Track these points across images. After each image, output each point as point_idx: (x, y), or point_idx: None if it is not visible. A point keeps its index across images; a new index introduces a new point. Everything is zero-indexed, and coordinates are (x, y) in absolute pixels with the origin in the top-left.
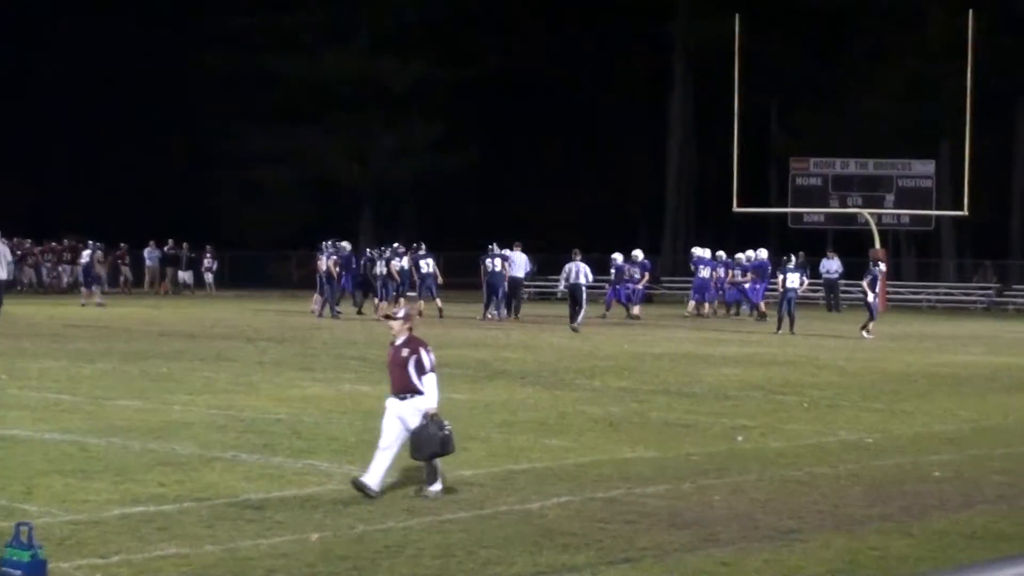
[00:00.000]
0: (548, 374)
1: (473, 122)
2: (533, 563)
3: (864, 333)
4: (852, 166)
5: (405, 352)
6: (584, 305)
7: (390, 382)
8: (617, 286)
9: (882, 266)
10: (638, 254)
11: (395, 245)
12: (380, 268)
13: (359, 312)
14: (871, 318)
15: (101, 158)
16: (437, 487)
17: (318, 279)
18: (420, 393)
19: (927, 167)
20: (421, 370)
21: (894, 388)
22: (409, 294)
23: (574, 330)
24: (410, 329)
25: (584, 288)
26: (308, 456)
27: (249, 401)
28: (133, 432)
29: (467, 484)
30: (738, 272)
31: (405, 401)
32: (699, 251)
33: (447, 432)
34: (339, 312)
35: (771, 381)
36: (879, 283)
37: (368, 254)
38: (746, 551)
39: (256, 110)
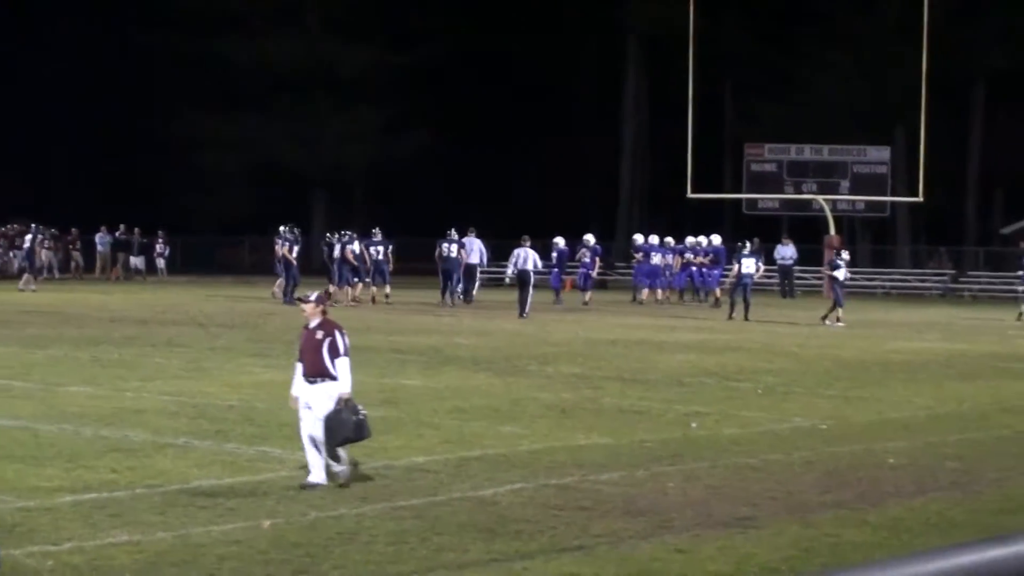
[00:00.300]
0: (501, 360)
1: (424, 107)
2: (487, 550)
3: (827, 322)
4: (807, 152)
5: (319, 335)
6: (532, 292)
7: (303, 365)
8: (558, 270)
9: (846, 255)
10: (589, 238)
11: (350, 232)
12: (336, 253)
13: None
14: (837, 306)
15: (50, 144)
16: (343, 469)
17: (277, 265)
18: (333, 377)
19: (882, 153)
20: (335, 353)
21: (849, 375)
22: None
23: (523, 317)
24: (324, 312)
25: (532, 274)
26: (260, 443)
27: (201, 387)
28: (85, 418)
29: (420, 471)
30: (689, 255)
31: (315, 385)
32: (641, 239)
33: (361, 417)
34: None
35: (725, 368)
36: (841, 271)
37: (327, 239)
38: (700, 538)
39: (205, 95)
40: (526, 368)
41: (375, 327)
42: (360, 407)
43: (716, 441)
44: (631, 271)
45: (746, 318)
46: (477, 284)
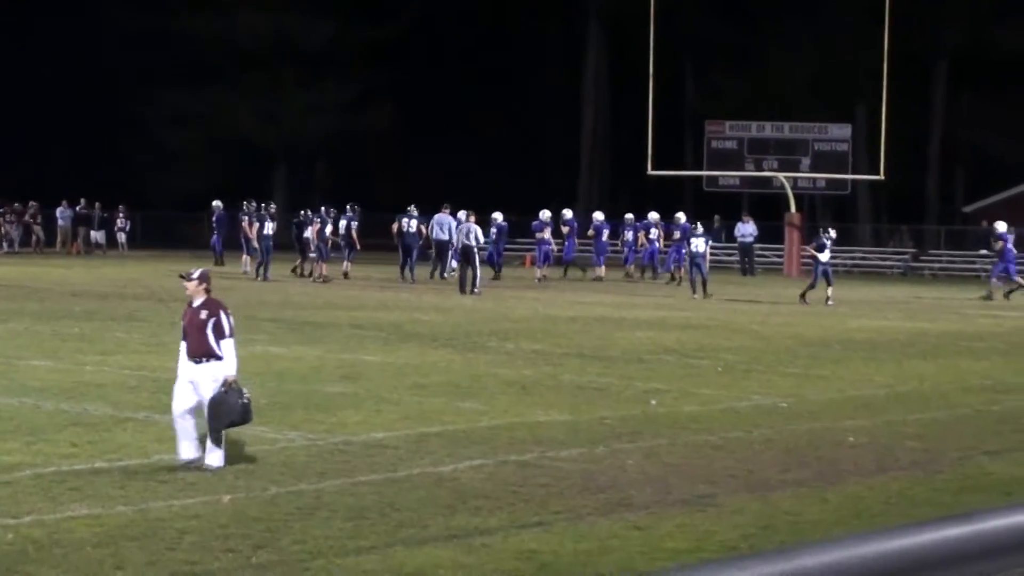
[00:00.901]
0: (461, 337)
1: (387, 83)
2: (446, 526)
3: (807, 301)
4: (768, 129)
5: (204, 315)
6: (479, 267)
7: (187, 345)
8: (498, 246)
9: (832, 233)
10: (545, 214)
11: (334, 210)
12: (308, 231)
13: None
14: (815, 286)
15: (10, 119)
16: (217, 458)
17: (243, 240)
18: (218, 358)
19: (843, 131)
20: (220, 334)
21: (809, 353)
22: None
23: (476, 294)
24: (207, 291)
25: (476, 250)
26: None
27: (162, 362)
28: (45, 392)
29: (380, 446)
30: (653, 231)
31: (200, 365)
32: (601, 216)
33: (246, 400)
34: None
35: (685, 345)
36: (827, 251)
37: (300, 216)
38: (659, 515)
39: (168, 70)
40: (486, 344)
41: (335, 303)
42: (244, 390)
43: (675, 418)
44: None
45: (705, 294)
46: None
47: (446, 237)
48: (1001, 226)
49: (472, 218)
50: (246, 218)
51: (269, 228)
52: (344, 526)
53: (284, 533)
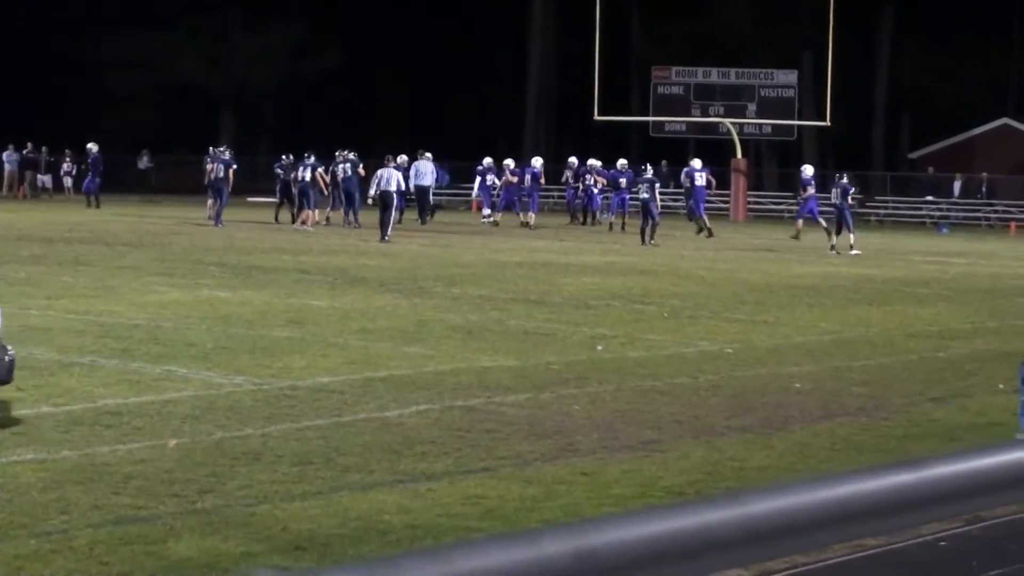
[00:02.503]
0: (407, 282)
1: (334, 27)
2: (391, 471)
3: (836, 251)
4: (714, 75)
5: None
6: (395, 214)
7: None
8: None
9: (846, 179)
10: (488, 161)
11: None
12: (301, 176)
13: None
14: (848, 231)
15: None
16: None
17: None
18: None
19: (789, 77)
20: None
21: (755, 299)
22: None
23: (386, 241)
24: None
25: (396, 195)
26: (167, 362)
27: (108, 306)
28: None
29: (325, 391)
30: (589, 177)
31: None
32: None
33: (11, 357)
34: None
35: (631, 291)
36: (849, 196)
37: (281, 161)
38: (605, 461)
39: (114, 14)
40: (432, 290)
41: (282, 247)
42: (9, 347)
43: (621, 364)
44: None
45: (652, 241)
46: (433, 206)
47: (392, 188)
48: (808, 170)
49: (392, 163)
50: (220, 164)
51: (221, 172)
52: (290, 471)
53: (230, 478)
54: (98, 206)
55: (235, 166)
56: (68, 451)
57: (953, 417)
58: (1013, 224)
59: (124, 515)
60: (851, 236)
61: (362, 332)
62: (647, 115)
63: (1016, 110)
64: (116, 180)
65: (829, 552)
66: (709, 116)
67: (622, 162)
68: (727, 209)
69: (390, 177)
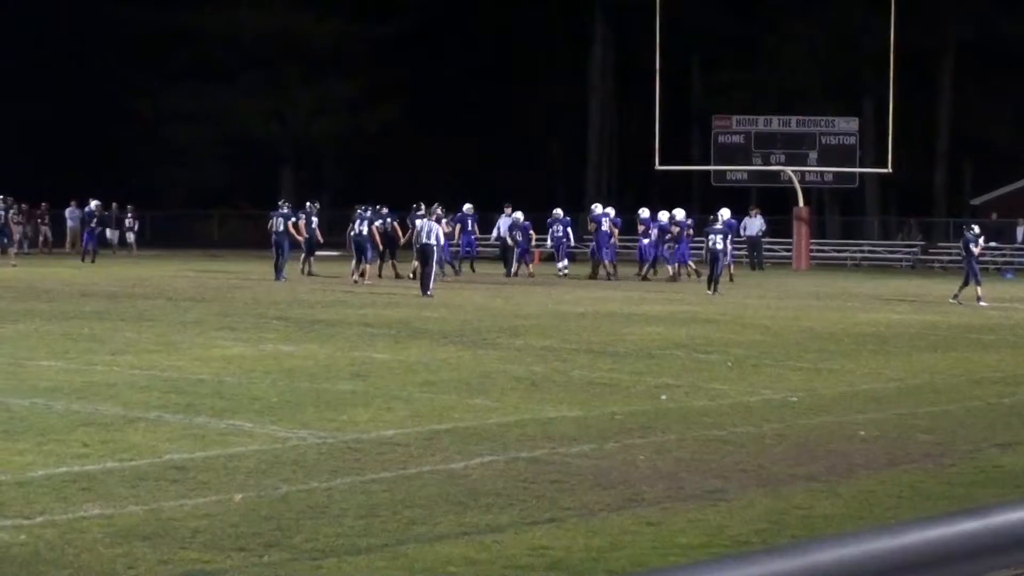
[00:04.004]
0: (470, 333)
1: (394, 80)
2: (458, 523)
3: (958, 300)
4: (775, 123)
5: None
6: (435, 266)
7: None
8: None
9: (976, 229)
10: (517, 214)
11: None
12: (358, 229)
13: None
14: (976, 283)
15: (17, 117)
16: None
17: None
18: None
19: (850, 124)
20: None
21: (819, 347)
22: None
23: (428, 295)
24: None
25: (436, 248)
26: (231, 416)
27: (171, 361)
28: (56, 392)
29: (390, 444)
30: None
31: None
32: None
33: None
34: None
35: (694, 340)
36: (976, 247)
37: (362, 213)
38: (671, 511)
39: (175, 69)
40: (495, 341)
41: (344, 301)
42: None
43: (686, 413)
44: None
45: (716, 288)
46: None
47: (434, 242)
48: (680, 213)
49: (434, 216)
50: (295, 218)
51: (280, 226)
52: (355, 524)
53: (295, 532)
54: (93, 260)
55: (294, 219)
56: (134, 506)
57: (1020, 463)
58: None
59: (191, 570)
60: (978, 289)
61: (426, 384)
62: (708, 164)
63: None
64: (178, 235)
65: None
66: (770, 164)
67: (678, 212)
68: (790, 257)
69: (430, 230)
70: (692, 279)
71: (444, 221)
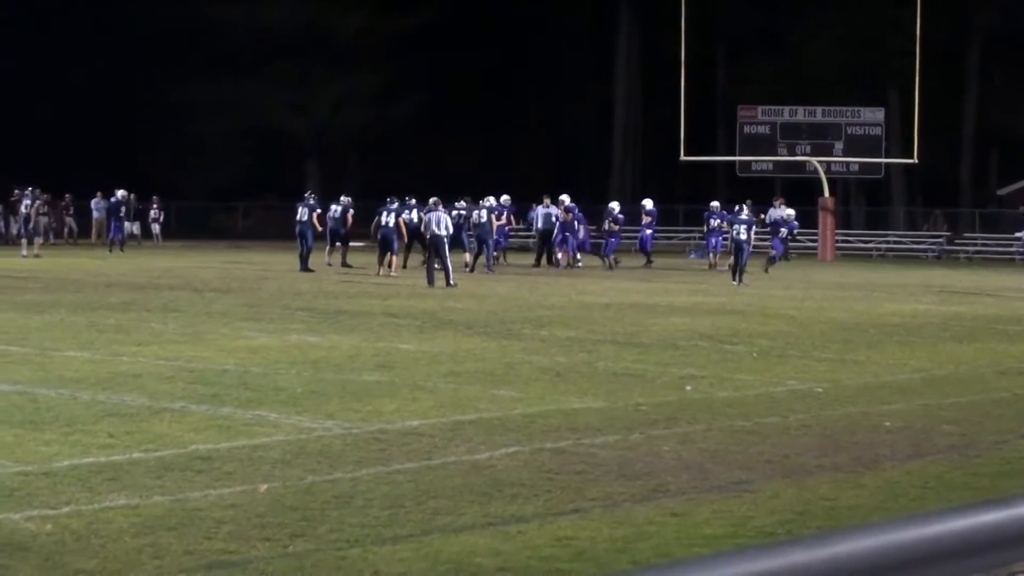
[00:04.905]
0: (495, 324)
1: (417, 72)
2: (482, 513)
3: None
4: (800, 114)
5: None
6: (449, 258)
7: None
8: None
9: None
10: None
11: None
12: (386, 221)
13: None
14: None
15: (42, 109)
16: None
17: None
18: None
19: (876, 115)
20: None
21: (844, 338)
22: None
23: (451, 286)
24: None
25: (446, 240)
26: (256, 407)
27: (197, 352)
28: (82, 383)
29: (415, 434)
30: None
31: None
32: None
33: None
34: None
35: (719, 331)
36: None
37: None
38: (696, 501)
39: (199, 61)
40: (520, 332)
41: (369, 292)
42: None
43: (711, 404)
44: (626, 234)
45: (740, 279)
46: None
47: (443, 233)
48: (648, 203)
49: (440, 206)
50: (318, 210)
51: (305, 216)
52: (380, 514)
53: (321, 522)
54: (122, 249)
55: (319, 210)
56: (160, 496)
57: None
58: None
59: (216, 560)
60: None
61: (451, 375)
62: (733, 155)
63: None
64: (202, 227)
65: None
66: (796, 155)
67: (715, 204)
68: (815, 248)
69: (439, 220)
70: (712, 271)
71: (496, 212)
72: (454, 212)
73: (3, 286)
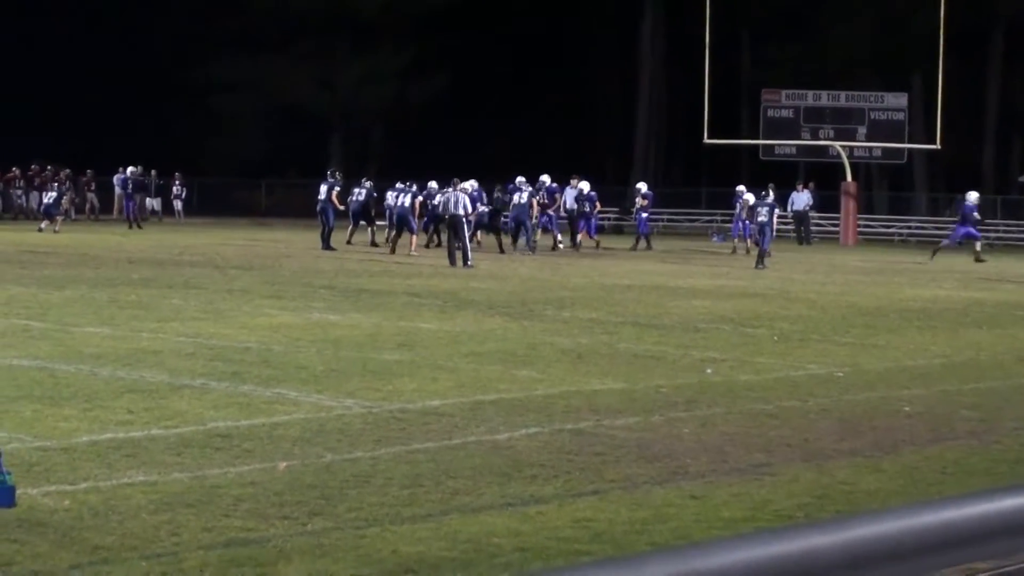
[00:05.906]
0: (517, 305)
1: (442, 50)
2: (501, 494)
3: None
4: (824, 98)
5: None
6: (467, 238)
7: None
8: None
9: None
10: (642, 186)
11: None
12: (401, 201)
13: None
14: None
15: (66, 85)
16: None
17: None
18: None
19: (900, 100)
20: None
21: (865, 322)
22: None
23: (468, 267)
24: None
25: (464, 220)
26: (277, 385)
27: (218, 329)
28: (102, 359)
29: (435, 414)
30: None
31: None
32: (644, 186)
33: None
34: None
35: (741, 314)
36: None
37: (404, 187)
38: (715, 484)
39: (224, 38)
40: (542, 313)
41: (391, 271)
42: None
43: (731, 387)
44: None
45: (761, 263)
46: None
47: (462, 212)
48: (643, 186)
49: (457, 185)
50: (336, 189)
51: (323, 194)
52: (400, 494)
53: (339, 500)
54: (140, 227)
55: (338, 188)
56: (179, 473)
57: None
58: None
59: (234, 537)
60: None
61: (472, 355)
62: (757, 138)
63: None
64: (225, 203)
65: None
66: (819, 139)
67: (740, 188)
68: (837, 232)
69: (457, 200)
70: (739, 255)
71: (542, 193)
72: (495, 195)
73: (24, 261)
